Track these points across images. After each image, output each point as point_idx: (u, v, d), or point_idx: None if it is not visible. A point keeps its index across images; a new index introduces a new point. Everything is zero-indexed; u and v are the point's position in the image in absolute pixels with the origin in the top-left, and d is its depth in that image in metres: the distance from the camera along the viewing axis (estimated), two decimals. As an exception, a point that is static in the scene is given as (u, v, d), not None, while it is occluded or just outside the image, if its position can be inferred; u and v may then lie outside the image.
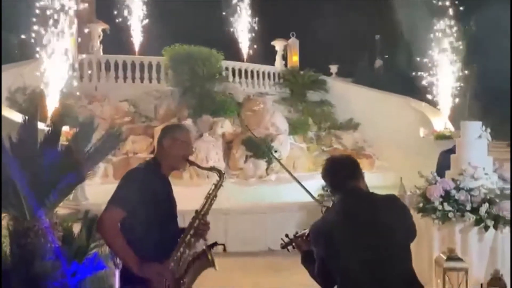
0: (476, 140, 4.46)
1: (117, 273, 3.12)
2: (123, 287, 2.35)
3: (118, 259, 2.98)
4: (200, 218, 2.30)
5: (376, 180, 7.05)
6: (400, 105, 10.32)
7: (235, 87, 10.73)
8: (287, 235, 2.38)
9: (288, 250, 2.34)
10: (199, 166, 2.62)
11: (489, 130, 4.48)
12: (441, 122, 9.18)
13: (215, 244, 2.28)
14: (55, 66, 7.95)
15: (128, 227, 2.19)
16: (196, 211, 2.32)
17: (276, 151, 9.38)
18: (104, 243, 3.64)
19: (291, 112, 11.52)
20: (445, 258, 3.94)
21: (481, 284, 3.79)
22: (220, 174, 2.39)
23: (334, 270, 1.96)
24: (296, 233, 2.38)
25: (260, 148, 8.97)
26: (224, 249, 2.35)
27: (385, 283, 1.87)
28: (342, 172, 2.09)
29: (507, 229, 3.96)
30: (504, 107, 11.09)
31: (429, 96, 10.02)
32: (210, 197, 2.34)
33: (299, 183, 4.95)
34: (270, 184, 9.01)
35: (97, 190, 7.39)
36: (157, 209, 2.25)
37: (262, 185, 8.86)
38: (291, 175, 5.77)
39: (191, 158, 2.45)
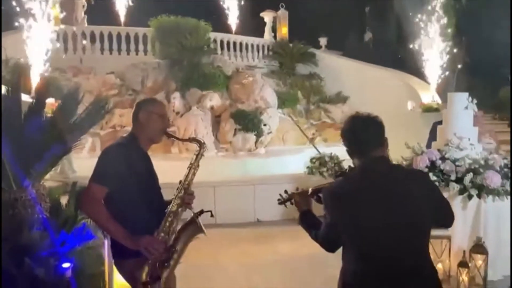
0: (462, 111, 4.51)
1: (106, 243, 3.15)
2: (115, 259, 2.36)
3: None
4: (186, 188, 2.32)
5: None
6: (389, 78, 10.32)
7: (223, 59, 10.59)
8: (286, 191, 2.27)
9: (285, 206, 2.23)
10: (177, 138, 2.67)
11: (475, 101, 4.52)
12: (429, 95, 9.23)
13: (202, 211, 2.30)
14: (38, 38, 7.75)
15: (112, 202, 2.21)
16: (180, 182, 2.35)
17: (265, 125, 9.38)
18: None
19: (280, 85, 11.45)
20: (429, 226, 4.04)
21: (464, 251, 3.90)
22: (200, 144, 2.41)
23: (346, 237, 1.83)
24: (297, 189, 2.23)
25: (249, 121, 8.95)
26: (212, 215, 2.29)
27: (402, 262, 1.75)
28: (368, 135, 1.87)
29: (490, 198, 4.05)
30: (491, 80, 11.18)
31: (417, 69, 10.03)
32: (193, 167, 2.36)
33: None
34: (259, 157, 9.04)
35: (85, 163, 7.33)
36: (139, 183, 2.26)
37: (251, 159, 8.88)
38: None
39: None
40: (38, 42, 7.77)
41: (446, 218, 1.96)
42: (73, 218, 3.37)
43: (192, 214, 2.33)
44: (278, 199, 2.27)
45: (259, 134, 9.28)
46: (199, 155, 2.36)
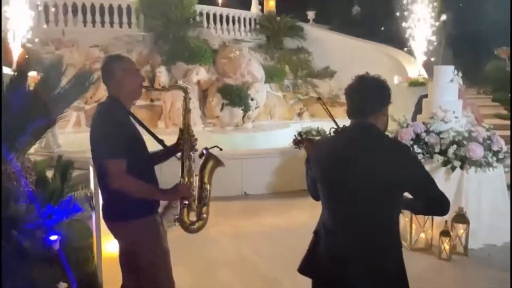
0: (448, 84, 4.55)
1: (94, 216, 3.15)
2: (120, 222, 2.27)
3: (94, 202, 3.00)
4: (188, 132, 2.34)
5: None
6: (376, 52, 10.30)
7: (210, 33, 10.43)
8: (300, 134, 2.42)
9: (299, 148, 2.30)
10: (156, 89, 2.65)
11: (460, 74, 4.56)
12: (415, 69, 9.26)
13: (211, 148, 2.39)
14: (19, 10, 7.50)
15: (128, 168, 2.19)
16: (181, 129, 2.37)
17: (252, 99, 9.34)
18: (78, 186, 3.66)
19: (267, 59, 11.35)
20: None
21: (446, 221, 4.00)
22: (183, 89, 2.45)
23: (320, 189, 1.92)
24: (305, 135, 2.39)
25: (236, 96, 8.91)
26: (220, 149, 2.42)
27: (365, 229, 1.80)
28: (363, 99, 1.86)
29: (472, 169, 4.14)
30: (476, 55, 11.24)
31: (404, 44, 10.01)
32: (185, 112, 2.38)
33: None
34: (247, 132, 9.04)
35: (70, 138, 7.28)
36: (139, 142, 2.28)
37: (239, 133, 8.88)
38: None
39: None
40: (18, 14, 7.53)
41: (434, 202, 1.86)
42: (59, 191, 3.35)
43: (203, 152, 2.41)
44: (293, 140, 2.35)
45: (246, 109, 9.25)
46: (187, 99, 2.37)
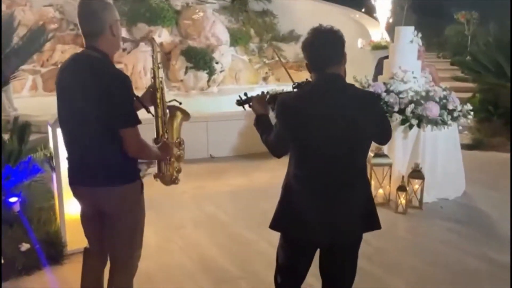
0: (408, 45, 4.64)
1: (55, 176, 3.10)
2: (117, 186, 2.08)
3: (54, 162, 2.93)
4: (161, 88, 2.24)
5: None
6: (341, 16, 10.29)
7: (172, -7, 10.06)
8: (245, 94, 2.26)
9: (244, 108, 2.24)
10: (129, 40, 2.50)
11: (420, 35, 4.65)
12: (378, 33, 9.37)
13: (169, 101, 2.31)
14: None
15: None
16: (150, 86, 2.24)
17: (217, 63, 9.21)
18: (36, 148, 3.57)
19: (232, 22, 11.13)
20: (372, 155, 4.28)
21: (403, 177, 4.19)
22: (151, 41, 2.33)
23: (293, 145, 1.92)
24: (262, 93, 2.25)
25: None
26: (180, 103, 2.36)
27: (340, 173, 1.87)
28: (327, 51, 1.85)
29: (429, 127, 4.31)
30: (437, 20, 11.46)
31: (368, 7, 10.07)
32: (155, 67, 2.23)
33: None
34: (212, 96, 8.97)
35: (26, 102, 6.99)
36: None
37: (204, 97, 8.80)
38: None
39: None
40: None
41: (383, 134, 2.02)
42: (17, 153, 3.26)
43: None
44: (237, 100, 2.26)
45: (211, 73, 9.13)
46: (155, 53, 2.24)
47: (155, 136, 2.25)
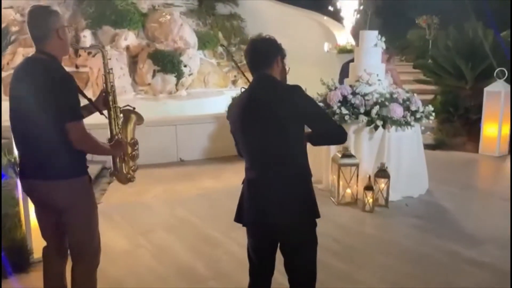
0: (372, 48, 4.79)
1: (19, 182, 3.00)
2: (65, 180, 2.18)
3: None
4: (113, 92, 2.36)
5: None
6: (308, 20, 10.46)
7: (138, -5, 9.93)
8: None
9: None
10: (82, 48, 2.58)
11: (384, 38, 4.81)
12: (344, 37, 9.58)
13: (124, 106, 2.43)
14: None
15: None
16: (102, 90, 2.37)
17: (185, 66, 9.15)
18: (1, 153, 3.45)
19: (200, 25, 11.10)
20: (340, 156, 4.39)
21: (369, 176, 4.31)
22: (101, 49, 2.44)
23: (240, 145, 2.16)
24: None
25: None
26: (133, 108, 2.47)
27: (273, 164, 2.03)
28: (256, 55, 2.11)
29: (393, 128, 4.46)
30: (399, 24, 11.84)
31: (334, 12, 10.29)
32: (106, 73, 2.36)
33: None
34: (181, 99, 8.90)
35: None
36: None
37: (172, 101, 8.72)
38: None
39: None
40: None
41: (328, 133, 2.12)
42: (-21, 159, 3.15)
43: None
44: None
45: (179, 76, 9.05)
46: (105, 60, 2.37)
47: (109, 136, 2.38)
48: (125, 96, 8.51)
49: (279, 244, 2.15)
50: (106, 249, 3.49)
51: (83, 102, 2.30)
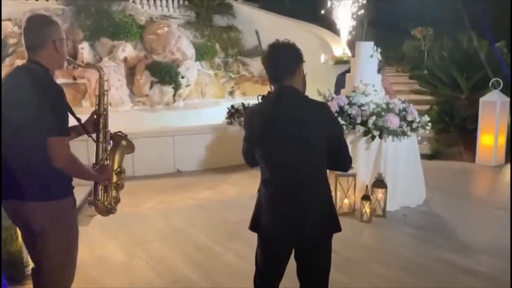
0: (368, 59, 4.83)
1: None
2: (46, 201, 2.05)
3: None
4: (105, 115, 2.24)
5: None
6: (304, 32, 10.56)
7: (135, 7, 10.02)
8: (232, 106, 2.45)
9: (233, 119, 2.38)
10: (79, 65, 2.47)
11: (379, 50, 4.85)
12: (340, 48, 9.67)
13: (116, 133, 2.29)
14: None
15: None
16: (94, 112, 2.26)
17: (183, 77, 9.20)
18: None
19: (198, 37, 11.20)
20: (337, 166, 4.39)
21: (367, 186, 4.32)
22: (98, 69, 2.30)
23: (257, 154, 2.08)
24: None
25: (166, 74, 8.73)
26: (125, 135, 2.31)
27: (297, 178, 1.99)
28: (280, 64, 2.01)
29: (390, 138, 4.48)
30: (395, 35, 11.95)
31: (330, 24, 10.39)
32: (101, 93, 2.25)
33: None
34: (178, 110, 8.93)
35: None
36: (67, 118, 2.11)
37: (170, 112, 8.74)
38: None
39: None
40: None
41: (341, 160, 2.10)
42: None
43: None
44: (228, 112, 2.39)
45: (176, 87, 9.11)
46: (101, 80, 2.26)
47: (94, 161, 2.23)
48: (123, 107, 8.54)
49: (294, 254, 2.15)
50: (103, 260, 3.50)
51: (73, 122, 2.20)
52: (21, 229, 2.21)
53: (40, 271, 2.17)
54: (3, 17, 8.75)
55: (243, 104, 2.41)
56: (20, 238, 3.07)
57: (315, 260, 2.11)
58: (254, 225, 2.14)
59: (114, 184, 2.25)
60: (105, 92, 2.25)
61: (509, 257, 3.36)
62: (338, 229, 2.09)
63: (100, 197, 2.23)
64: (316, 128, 1.96)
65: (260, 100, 2.27)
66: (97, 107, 2.24)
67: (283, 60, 2.02)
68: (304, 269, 2.14)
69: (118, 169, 2.26)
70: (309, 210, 2.00)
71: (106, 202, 2.25)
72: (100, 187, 2.23)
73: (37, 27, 2.05)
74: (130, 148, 2.30)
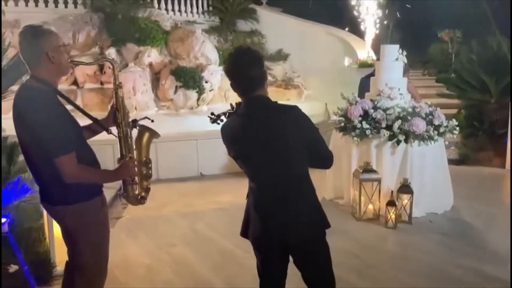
0: (393, 63, 4.76)
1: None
2: (72, 205, 2.13)
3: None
4: (124, 109, 2.25)
5: (305, 109, 7.21)
6: (327, 35, 10.49)
7: (161, 14, 10.17)
8: (212, 113, 2.30)
9: (218, 123, 2.26)
10: (85, 63, 2.44)
11: (405, 53, 4.78)
12: (364, 52, 9.55)
13: (141, 119, 2.31)
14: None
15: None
16: (112, 106, 2.28)
17: (206, 82, 9.28)
18: (25, 169, 3.54)
19: (221, 42, 11.28)
20: (361, 171, 4.34)
21: (392, 192, 4.24)
22: (111, 62, 2.32)
23: (242, 166, 2.09)
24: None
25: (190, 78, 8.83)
26: (152, 120, 2.35)
27: (278, 183, 2.01)
28: (250, 76, 1.96)
29: (416, 143, 4.39)
30: (421, 38, 11.73)
31: (354, 27, 10.28)
32: (117, 88, 2.25)
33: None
34: (202, 115, 9.00)
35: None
36: (76, 126, 2.17)
37: (193, 116, 8.82)
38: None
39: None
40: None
41: (321, 157, 2.09)
42: (6, 173, 3.24)
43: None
44: (209, 117, 2.30)
45: (200, 92, 9.18)
46: (115, 73, 2.26)
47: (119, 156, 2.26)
48: (148, 112, 8.67)
49: (292, 260, 2.16)
50: (128, 263, 3.55)
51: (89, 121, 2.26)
52: (60, 228, 2.32)
53: (72, 266, 2.31)
54: (33, 23, 9.04)
55: (231, 104, 2.31)
56: (47, 239, 3.15)
57: (311, 260, 2.11)
58: (245, 232, 2.19)
59: (143, 175, 2.29)
60: (120, 85, 2.24)
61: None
62: (326, 225, 2.09)
63: (128, 189, 2.27)
64: (290, 132, 1.96)
65: (231, 110, 2.17)
66: (114, 101, 2.26)
67: (252, 71, 1.95)
68: (304, 272, 2.15)
69: (144, 159, 2.30)
70: (295, 212, 2.01)
71: (137, 192, 2.28)
72: (129, 180, 2.26)
73: (29, 41, 2.02)
74: (154, 134, 2.33)
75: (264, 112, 1.99)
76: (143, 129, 2.31)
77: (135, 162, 2.25)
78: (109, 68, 8.24)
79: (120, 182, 2.28)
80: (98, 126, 2.29)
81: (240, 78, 1.98)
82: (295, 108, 2.02)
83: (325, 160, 2.12)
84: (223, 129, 2.08)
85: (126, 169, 2.22)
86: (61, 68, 2.10)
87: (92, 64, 2.69)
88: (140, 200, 2.30)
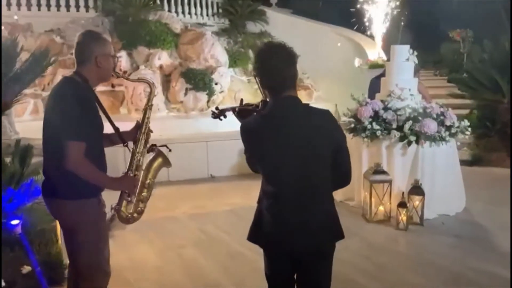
0: (404, 63, 4.72)
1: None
2: (67, 200, 2.19)
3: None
4: (146, 127, 2.35)
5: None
6: (337, 36, 10.45)
7: (171, 16, 10.24)
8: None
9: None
10: (127, 78, 2.55)
11: (416, 53, 4.74)
12: (375, 52, 9.49)
13: (160, 146, 2.40)
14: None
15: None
16: (138, 121, 2.37)
17: (216, 84, 9.31)
18: (38, 171, 3.59)
19: (231, 44, 11.30)
20: (372, 172, 4.31)
21: (403, 193, 4.20)
22: (149, 84, 2.43)
23: (259, 166, 2.00)
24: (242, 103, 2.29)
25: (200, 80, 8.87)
26: (169, 149, 2.42)
27: (300, 189, 1.91)
28: (286, 75, 1.88)
29: (427, 143, 4.35)
30: (432, 38, 11.62)
31: (364, 27, 10.23)
32: (147, 107, 2.38)
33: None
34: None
35: (28, 126, 7.03)
36: (100, 130, 2.26)
37: (204, 117, 8.85)
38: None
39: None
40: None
41: (342, 176, 1.99)
42: (19, 175, 3.28)
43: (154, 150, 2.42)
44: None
45: (210, 94, 9.22)
46: (151, 95, 2.38)
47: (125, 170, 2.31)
48: (159, 114, 8.73)
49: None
50: (138, 264, 3.57)
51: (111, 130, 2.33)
52: (60, 225, 2.39)
53: (73, 267, 2.35)
54: (46, 27, 9.17)
55: (241, 100, 2.29)
56: (60, 240, 3.19)
57: (316, 270, 2.04)
58: (255, 237, 2.09)
59: (140, 196, 2.33)
60: (151, 106, 2.36)
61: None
62: (341, 236, 2.03)
63: (123, 206, 2.31)
64: (319, 137, 1.88)
65: (246, 105, 2.13)
66: (141, 119, 2.36)
67: (289, 70, 1.87)
68: (303, 278, 2.07)
69: (148, 182, 2.34)
70: (312, 223, 1.93)
71: (130, 211, 2.32)
72: (126, 196, 2.30)
73: (84, 43, 2.21)
74: (167, 163, 2.40)
75: (295, 114, 1.90)
76: (159, 154, 2.38)
77: (139, 182, 2.31)
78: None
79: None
80: (117, 137, 2.36)
81: (274, 76, 1.88)
82: (327, 113, 1.96)
83: (345, 174, 2.00)
84: (245, 127, 1.97)
85: (127, 182, 2.28)
86: (103, 74, 2.25)
87: (132, 81, 2.80)
88: (128, 219, 2.33)
